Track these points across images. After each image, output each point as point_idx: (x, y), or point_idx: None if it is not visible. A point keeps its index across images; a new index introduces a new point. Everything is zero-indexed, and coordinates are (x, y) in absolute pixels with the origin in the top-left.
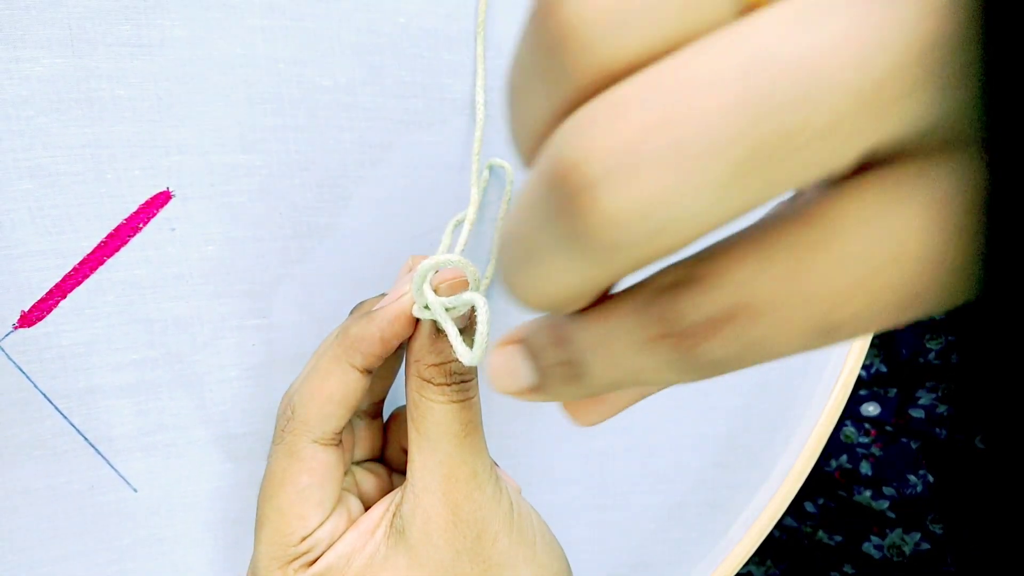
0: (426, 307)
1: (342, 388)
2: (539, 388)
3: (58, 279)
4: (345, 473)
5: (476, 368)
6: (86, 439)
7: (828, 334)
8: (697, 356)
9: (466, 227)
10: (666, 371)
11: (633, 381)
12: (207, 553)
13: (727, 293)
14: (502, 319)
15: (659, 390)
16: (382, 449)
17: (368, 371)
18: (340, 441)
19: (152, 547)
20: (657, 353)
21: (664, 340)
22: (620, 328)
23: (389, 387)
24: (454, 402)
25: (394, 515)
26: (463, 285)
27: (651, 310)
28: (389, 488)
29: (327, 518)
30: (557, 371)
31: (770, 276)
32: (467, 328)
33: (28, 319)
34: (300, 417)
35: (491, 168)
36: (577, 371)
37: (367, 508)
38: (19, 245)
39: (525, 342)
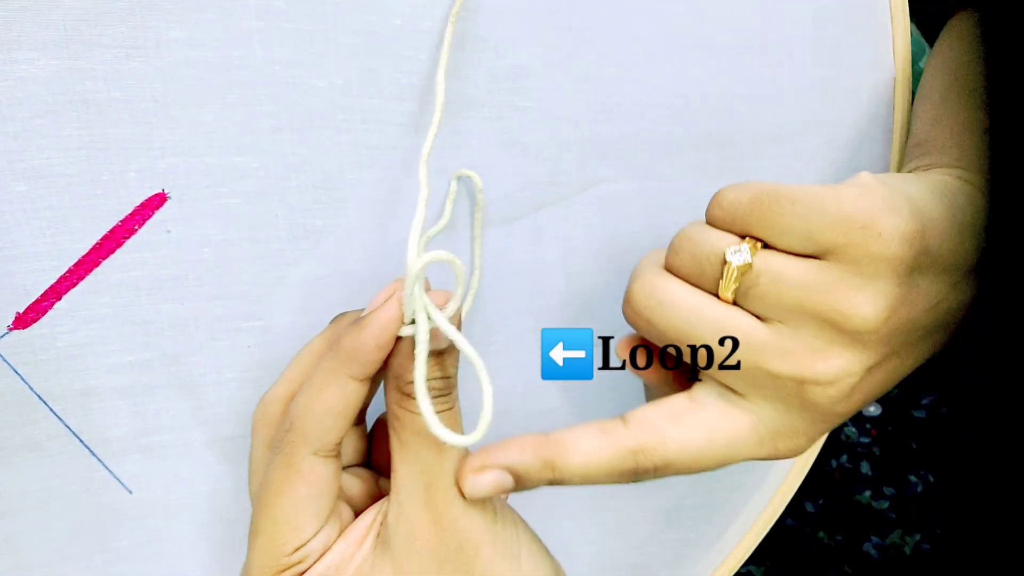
0: (412, 321)
1: (341, 400)
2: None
3: (53, 281)
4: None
5: (456, 381)
6: (81, 441)
7: None
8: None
9: (413, 235)
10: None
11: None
12: (203, 554)
13: None
14: (490, 325)
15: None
16: (367, 454)
17: (366, 379)
18: (338, 452)
19: (148, 549)
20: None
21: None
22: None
23: (374, 394)
24: (434, 413)
25: (381, 524)
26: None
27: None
28: (376, 492)
29: (321, 529)
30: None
31: None
32: (448, 350)
33: (23, 321)
34: (299, 429)
35: (459, 179)
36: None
37: (356, 513)
38: (14, 247)
39: (510, 469)
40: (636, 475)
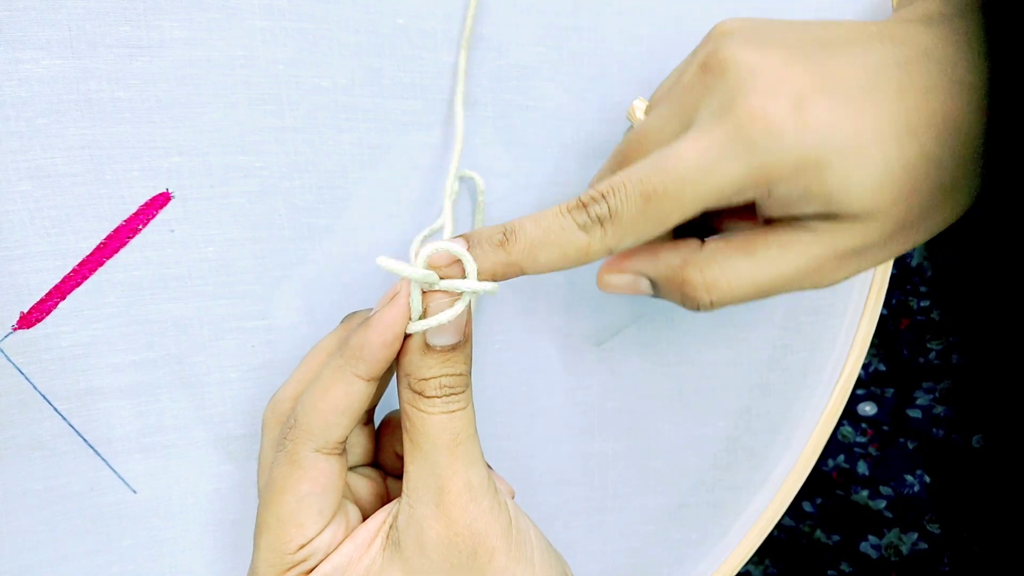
0: (420, 318)
1: (346, 398)
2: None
3: (57, 280)
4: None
5: (469, 379)
6: (85, 440)
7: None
8: (591, 211)
9: (446, 236)
10: (575, 228)
11: (552, 239)
12: (207, 554)
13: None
14: (491, 325)
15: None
16: (375, 454)
17: (373, 379)
18: (343, 450)
19: (152, 548)
20: (572, 215)
21: (578, 208)
22: (553, 210)
23: (382, 394)
24: (445, 413)
25: (391, 527)
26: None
27: (573, 201)
28: (384, 492)
29: (326, 527)
30: (493, 238)
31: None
32: (460, 345)
33: (27, 320)
34: (303, 426)
35: (460, 179)
36: (511, 236)
37: (364, 513)
38: (18, 246)
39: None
40: (587, 215)
